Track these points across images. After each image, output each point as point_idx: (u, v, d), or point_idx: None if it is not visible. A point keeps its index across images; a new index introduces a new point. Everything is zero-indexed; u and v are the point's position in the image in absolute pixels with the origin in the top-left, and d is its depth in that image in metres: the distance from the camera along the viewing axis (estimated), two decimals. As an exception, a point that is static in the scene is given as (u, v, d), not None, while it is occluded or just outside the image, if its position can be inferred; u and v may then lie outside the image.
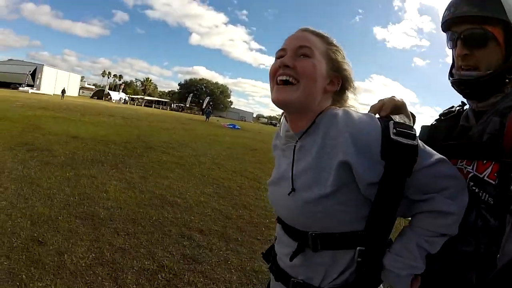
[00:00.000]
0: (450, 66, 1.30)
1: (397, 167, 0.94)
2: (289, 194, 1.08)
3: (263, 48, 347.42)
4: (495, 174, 1.02)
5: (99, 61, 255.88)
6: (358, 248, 1.01)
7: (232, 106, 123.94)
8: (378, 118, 1.04)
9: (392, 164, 0.93)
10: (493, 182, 1.02)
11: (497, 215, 1.02)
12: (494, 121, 1.08)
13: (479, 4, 1.12)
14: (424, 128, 1.40)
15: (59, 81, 60.49)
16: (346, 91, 1.19)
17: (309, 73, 1.05)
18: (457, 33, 1.19)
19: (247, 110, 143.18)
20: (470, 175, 1.11)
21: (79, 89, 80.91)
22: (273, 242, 1.40)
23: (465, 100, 1.32)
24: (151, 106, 79.90)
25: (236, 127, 35.71)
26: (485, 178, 1.05)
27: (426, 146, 1.01)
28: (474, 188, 1.08)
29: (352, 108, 1.16)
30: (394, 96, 1.19)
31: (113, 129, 14.19)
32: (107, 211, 4.48)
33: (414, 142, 0.95)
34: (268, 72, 1.14)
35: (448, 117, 1.37)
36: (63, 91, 47.09)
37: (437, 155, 0.99)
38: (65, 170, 6.18)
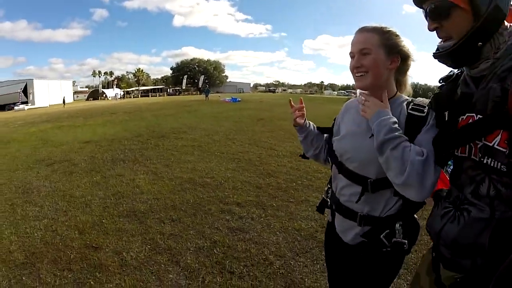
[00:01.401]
0: None
1: (411, 128, 1.39)
2: (370, 138, 1.44)
3: (249, 17, 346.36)
4: (505, 142, 1.02)
5: (86, 63, 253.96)
6: None
7: (228, 80, 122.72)
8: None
9: (408, 126, 1.41)
10: (504, 150, 1.02)
11: (509, 184, 1.05)
12: (494, 88, 1.09)
13: None
14: (433, 97, 1.46)
15: (52, 92, 59.71)
16: (408, 61, 1.53)
17: (372, 66, 1.44)
18: (424, 10, 1.25)
19: (244, 82, 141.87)
20: (479, 145, 1.11)
21: (73, 94, 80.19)
22: (324, 196, 1.83)
23: None
24: (148, 95, 79.10)
25: (237, 100, 35.48)
26: (495, 146, 1.05)
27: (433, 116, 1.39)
28: (482, 159, 1.10)
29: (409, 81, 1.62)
30: None
31: (120, 126, 14.30)
32: (145, 204, 4.69)
33: (422, 114, 1.40)
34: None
35: (448, 82, 1.41)
36: (64, 100, 47.33)
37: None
38: (91, 175, 6.36)
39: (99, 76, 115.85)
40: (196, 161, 7.26)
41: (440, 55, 1.24)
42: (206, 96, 42.17)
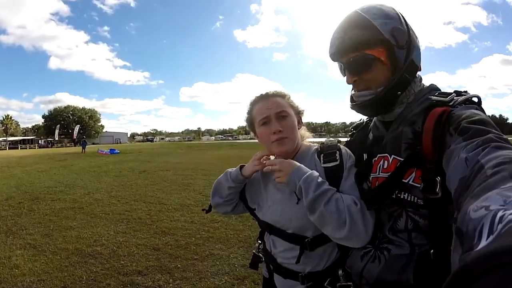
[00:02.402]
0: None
1: (333, 178, 1.36)
2: (297, 203, 1.38)
3: (127, 64, 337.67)
4: (420, 178, 1.07)
5: None
6: None
7: (104, 130, 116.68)
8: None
9: (329, 177, 1.36)
10: (419, 186, 1.07)
11: (426, 215, 1.09)
12: (406, 131, 1.17)
13: (356, 33, 1.19)
14: (345, 145, 1.50)
15: None
16: (302, 119, 1.56)
17: (292, 128, 1.44)
18: (343, 63, 1.28)
19: (121, 131, 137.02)
20: None
21: None
22: (255, 251, 1.68)
23: None
24: (17, 147, 70.83)
25: (116, 151, 33.95)
26: (410, 182, 1.10)
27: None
28: (399, 195, 1.14)
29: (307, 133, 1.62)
30: None
31: (-16, 188, 12.10)
32: (28, 289, 3.86)
33: (336, 162, 1.39)
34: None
35: (359, 129, 1.51)
36: None
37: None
38: (-49, 256, 5.07)
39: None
40: (80, 227, 6.37)
41: (361, 105, 1.28)
42: (83, 148, 39.36)
